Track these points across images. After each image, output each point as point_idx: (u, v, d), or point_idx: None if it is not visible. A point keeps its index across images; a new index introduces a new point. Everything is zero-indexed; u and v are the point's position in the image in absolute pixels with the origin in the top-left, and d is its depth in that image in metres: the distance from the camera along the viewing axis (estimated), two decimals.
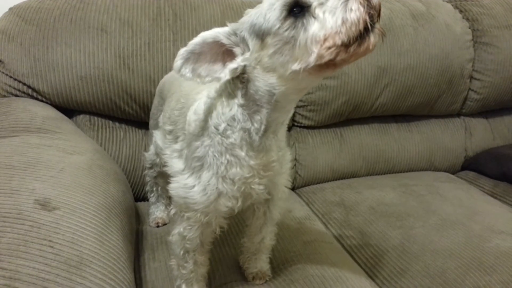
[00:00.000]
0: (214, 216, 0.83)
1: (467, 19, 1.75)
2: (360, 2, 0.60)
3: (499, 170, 1.66)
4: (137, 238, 1.18)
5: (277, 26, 0.65)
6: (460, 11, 1.78)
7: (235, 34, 0.70)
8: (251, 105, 0.73)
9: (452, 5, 1.79)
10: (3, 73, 1.28)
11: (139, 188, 1.40)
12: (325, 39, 0.62)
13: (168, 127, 0.96)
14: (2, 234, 0.70)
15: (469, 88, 1.77)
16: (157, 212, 1.28)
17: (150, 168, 1.24)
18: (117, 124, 1.41)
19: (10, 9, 1.32)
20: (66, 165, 0.95)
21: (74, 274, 0.69)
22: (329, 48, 0.62)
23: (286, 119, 0.79)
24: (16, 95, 1.30)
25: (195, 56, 0.69)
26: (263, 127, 0.75)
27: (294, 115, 1.54)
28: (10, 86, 1.29)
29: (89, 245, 0.77)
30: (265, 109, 0.73)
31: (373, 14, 0.61)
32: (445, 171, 1.78)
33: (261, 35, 0.67)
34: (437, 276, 1.07)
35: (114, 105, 1.35)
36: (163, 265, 1.06)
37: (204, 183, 0.78)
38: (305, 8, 0.64)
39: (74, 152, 1.05)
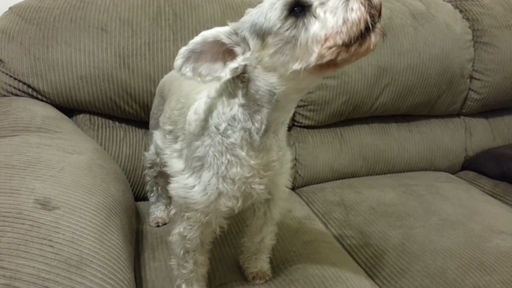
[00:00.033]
0: (214, 216, 0.83)
1: (467, 19, 1.75)
2: (361, 2, 0.60)
3: (499, 170, 1.66)
4: (137, 238, 1.18)
5: (278, 25, 0.65)
6: (460, 11, 1.78)
7: (236, 33, 0.70)
8: (251, 104, 0.73)
9: (452, 5, 1.79)
10: (3, 72, 1.28)
11: (139, 188, 1.40)
12: (326, 39, 0.62)
13: (168, 127, 0.96)
14: (2, 233, 0.70)
15: (469, 88, 1.77)
16: (157, 211, 1.28)
17: (150, 167, 1.24)
18: (117, 123, 1.41)
19: (10, 8, 1.32)
20: (66, 165, 0.95)
21: (74, 274, 0.69)
22: (330, 48, 0.62)
23: (287, 118, 0.79)
24: (16, 95, 1.30)
25: (196, 55, 0.69)
26: (263, 126, 0.75)
27: (294, 114, 1.54)
28: (10, 85, 1.29)
29: (89, 245, 0.77)
30: (265, 108, 0.73)
31: (374, 13, 0.61)
32: (445, 171, 1.78)
33: (262, 34, 0.67)
34: (437, 276, 1.07)
35: (114, 104, 1.35)
36: (163, 264, 1.06)
37: (204, 183, 0.78)
38: (306, 7, 0.64)
39: (74, 151, 1.05)
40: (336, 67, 0.66)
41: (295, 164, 1.56)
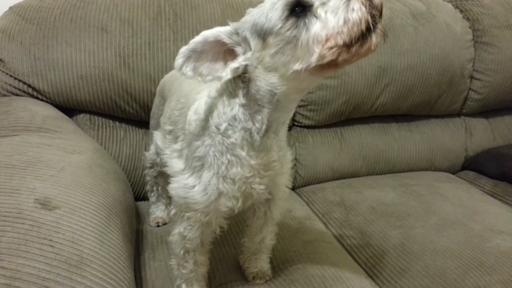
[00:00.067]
0: (214, 216, 0.83)
1: (468, 19, 1.75)
2: (362, 2, 0.60)
3: (499, 170, 1.66)
4: (137, 238, 1.18)
5: (279, 25, 0.64)
6: (461, 11, 1.77)
7: (236, 33, 0.70)
8: (252, 104, 0.73)
9: (453, 4, 1.79)
10: (4, 72, 1.28)
11: (139, 188, 1.40)
12: (327, 39, 0.62)
13: (168, 127, 0.96)
14: (3, 233, 0.70)
15: (470, 88, 1.77)
16: (157, 211, 1.28)
17: (151, 167, 1.24)
18: (117, 123, 1.41)
19: (11, 8, 1.32)
20: (67, 164, 0.95)
21: (75, 274, 0.69)
22: (331, 48, 0.62)
23: (287, 119, 0.79)
24: (17, 94, 1.30)
25: (197, 55, 0.69)
26: (264, 127, 0.75)
27: (294, 114, 1.54)
28: (10, 85, 1.29)
29: (90, 245, 0.77)
30: (266, 108, 0.73)
31: (375, 14, 0.61)
32: (445, 171, 1.78)
33: (263, 34, 0.67)
34: (437, 276, 1.08)
35: (115, 104, 1.35)
36: (163, 264, 1.06)
37: (204, 183, 0.78)
38: (307, 7, 0.63)
39: (75, 151, 1.05)
40: (337, 68, 0.66)
41: (295, 164, 1.56)
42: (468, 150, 1.83)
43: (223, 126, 0.75)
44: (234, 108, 0.74)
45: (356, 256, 1.21)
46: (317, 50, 0.62)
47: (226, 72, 0.70)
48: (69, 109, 1.36)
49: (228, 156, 0.76)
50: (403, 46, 1.58)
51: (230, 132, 0.75)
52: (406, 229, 1.26)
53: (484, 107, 1.85)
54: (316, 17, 0.63)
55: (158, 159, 1.14)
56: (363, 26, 0.60)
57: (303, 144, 1.58)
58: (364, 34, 0.61)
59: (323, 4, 0.62)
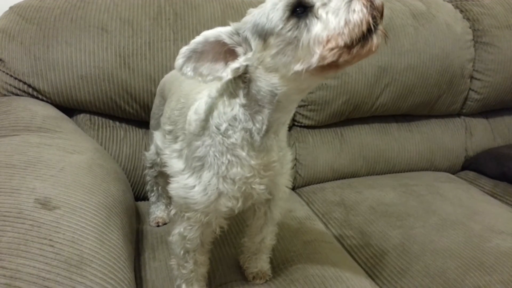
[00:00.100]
0: (214, 216, 0.83)
1: (468, 19, 1.75)
2: (363, 3, 0.60)
3: (499, 170, 1.66)
4: (137, 238, 1.18)
5: (280, 26, 0.64)
6: (461, 11, 1.77)
7: (237, 33, 0.70)
8: (253, 105, 0.73)
9: (453, 5, 1.79)
10: (4, 72, 1.28)
11: (139, 188, 1.40)
12: (328, 40, 0.61)
13: (168, 127, 0.96)
14: (3, 233, 0.70)
15: (470, 88, 1.77)
16: (157, 211, 1.28)
17: (151, 167, 1.24)
18: (117, 123, 1.41)
19: (11, 8, 1.32)
20: (67, 164, 0.95)
21: (75, 273, 0.69)
22: (332, 49, 0.62)
23: (288, 119, 0.79)
24: (17, 94, 1.30)
25: (197, 55, 0.69)
26: (264, 127, 0.74)
27: (294, 114, 1.54)
28: (10, 85, 1.29)
29: (90, 244, 0.77)
30: (267, 109, 0.73)
31: (376, 15, 0.61)
32: (445, 171, 1.78)
33: (263, 35, 0.67)
34: (437, 276, 1.08)
35: (115, 104, 1.35)
36: (163, 264, 1.06)
37: (204, 183, 0.78)
38: (308, 8, 0.63)
39: (75, 151, 1.05)
40: (338, 69, 0.66)
41: (295, 164, 1.56)
42: (468, 150, 1.83)
43: (223, 126, 0.75)
44: (234, 108, 0.74)
45: (356, 256, 1.21)
46: (318, 51, 0.62)
47: (227, 72, 0.70)
48: (69, 109, 1.36)
49: (228, 156, 0.76)
50: (403, 46, 1.58)
51: (230, 132, 0.75)
52: (406, 229, 1.26)
53: (484, 107, 1.85)
54: (317, 17, 0.63)
55: (158, 159, 1.15)
56: (364, 28, 0.60)
57: (303, 144, 1.58)
58: (365, 35, 0.61)
59: (324, 5, 0.62)
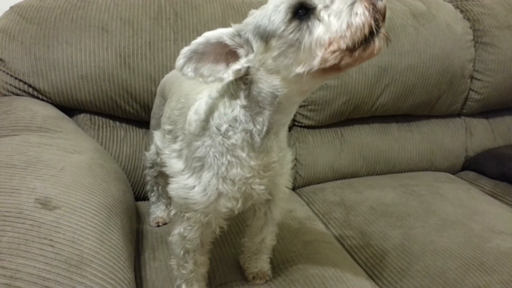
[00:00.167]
0: (214, 217, 0.83)
1: (468, 19, 1.75)
2: (365, 6, 0.59)
3: (499, 170, 1.66)
4: (137, 238, 1.18)
5: (282, 28, 0.64)
6: (461, 11, 1.77)
7: (239, 35, 0.69)
8: (253, 106, 0.73)
9: (453, 5, 1.79)
10: (4, 72, 1.28)
11: (139, 188, 1.40)
12: (330, 43, 0.61)
13: (168, 127, 0.96)
14: (3, 233, 0.70)
15: (470, 88, 1.77)
16: (157, 211, 1.28)
17: (151, 167, 1.24)
18: (117, 123, 1.41)
19: (11, 7, 1.32)
20: (67, 164, 0.95)
21: (75, 273, 0.69)
22: (334, 52, 0.62)
23: (288, 120, 0.79)
24: (17, 94, 1.30)
25: (198, 56, 0.68)
26: (265, 128, 0.74)
27: (294, 114, 1.53)
28: (10, 85, 1.29)
29: (90, 244, 0.77)
30: (267, 110, 0.73)
31: (378, 18, 0.61)
32: (445, 171, 1.78)
33: (265, 37, 0.66)
34: (437, 276, 1.08)
35: (115, 104, 1.35)
36: (163, 264, 1.07)
37: (204, 184, 0.78)
38: (310, 10, 0.63)
39: (75, 151, 1.05)
40: (340, 71, 0.65)
41: (295, 164, 1.56)
42: (468, 150, 1.83)
43: (223, 127, 0.75)
44: (235, 109, 0.74)
45: (356, 256, 1.21)
46: (319, 54, 0.62)
47: (228, 73, 0.70)
48: (70, 109, 1.36)
49: (228, 157, 0.76)
50: (404, 46, 1.58)
51: (230, 133, 0.75)
52: (406, 229, 1.26)
53: (485, 107, 1.85)
54: (319, 20, 0.62)
55: (159, 159, 1.14)
56: (366, 31, 0.60)
57: (303, 144, 1.58)
58: (367, 38, 0.61)
59: (326, 7, 0.62)
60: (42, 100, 1.31)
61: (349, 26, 0.60)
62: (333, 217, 1.36)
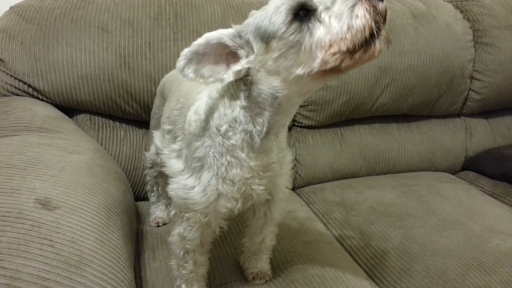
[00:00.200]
0: (214, 217, 0.83)
1: (468, 19, 1.75)
2: (366, 8, 0.59)
3: (499, 170, 1.66)
4: (137, 238, 1.18)
5: (283, 30, 0.64)
6: (461, 11, 1.77)
7: (239, 36, 0.69)
8: (253, 107, 0.73)
9: (453, 5, 1.79)
10: (4, 72, 1.28)
11: (139, 188, 1.40)
12: (331, 45, 0.61)
13: (167, 127, 0.96)
14: (3, 233, 0.70)
15: (470, 88, 1.77)
16: (157, 211, 1.28)
17: (151, 167, 1.24)
18: (117, 123, 1.41)
19: (11, 8, 1.32)
20: (67, 165, 0.95)
21: (75, 274, 0.69)
22: (334, 54, 0.61)
23: (288, 121, 0.79)
24: (17, 94, 1.30)
25: (199, 57, 0.68)
26: (265, 129, 0.74)
27: (294, 115, 1.54)
28: (10, 85, 1.29)
29: (90, 245, 0.77)
30: (267, 111, 0.73)
31: (379, 20, 0.60)
32: (445, 171, 1.78)
33: (266, 38, 0.66)
34: (437, 276, 1.08)
35: (115, 104, 1.35)
36: (163, 264, 1.07)
37: (204, 184, 0.78)
38: (311, 12, 0.63)
39: (75, 151, 1.05)
40: (340, 73, 0.65)
41: (295, 164, 1.56)
42: (468, 151, 1.83)
43: (223, 128, 0.75)
44: (235, 110, 0.74)
45: (356, 256, 1.21)
46: (320, 56, 0.62)
47: (229, 74, 0.69)
48: (69, 109, 1.36)
49: (228, 157, 0.76)
50: (404, 46, 1.58)
51: (230, 133, 0.75)
52: (406, 229, 1.26)
53: (484, 108, 1.85)
54: (320, 21, 0.62)
55: (158, 159, 1.14)
56: (367, 33, 0.60)
57: (303, 144, 1.58)
58: (368, 41, 0.61)
59: (327, 8, 0.62)
60: (42, 100, 1.31)
61: (349, 28, 0.60)
62: (333, 217, 1.36)
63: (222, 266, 1.04)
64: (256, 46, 0.68)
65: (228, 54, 0.70)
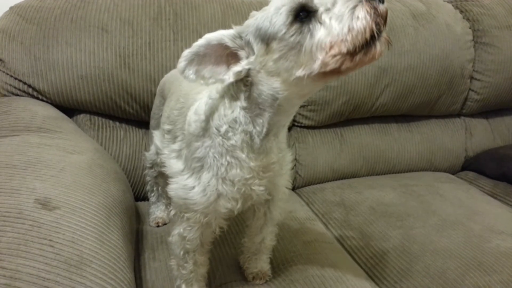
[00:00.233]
0: (214, 217, 0.83)
1: (468, 19, 1.75)
2: (367, 10, 0.59)
3: (499, 170, 1.66)
4: (137, 238, 1.18)
5: (283, 31, 0.64)
6: (461, 11, 1.78)
7: (240, 37, 0.69)
8: (253, 108, 0.73)
9: (453, 5, 1.79)
10: (4, 72, 1.28)
11: (139, 188, 1.40)
12: (331, 47, 0.61)
13: (167, 127, 0.96)
14: (3, 233, 0.70)
15: (470, 89, 1.77)
16: (157, 211, 1.28)
17: (151, 167, 1.24)
18: (117, 123, 1.41)
19: (11, 8, 1.32)
20: (67, 165, 0.95)
21: (75, 274, 0.69)
22: (334, 56, 0.61)
23: (288, 121, 0.79)
24: (17, 95, 1.30)
25: (199, 58, 0.68)
26: (265, 130, 0.74)
27: (294, 115, 1.54)
28: (10, 85, 1.29)
29: (89, 245, 0.77)
30: (267, 112, 0.73)
31: (380, 22, 0.60)
32: (445, 171, 1.78)
33: (266, 39, 0.66)
34: (437, 276, 1.08)
35: (115, 104, 1.35)
36: (163, 265, 1.07)
37: (204, 184, 0.78)
38: (312, 13, 0.63)
39: (75, 151, 1.05)
40: (340, 74, 0.65)
41: (295, 165, 1.56)
42: (468, 151, 1.83)
43: (223, 128, 0.75)
44: (235, 110, 0.74)
45: (356, 256, 1.21)
46: (320, 57, 0.62)
47: (229, 75, 0.69)
48: (69, 109, 1.36)
49: (228, 157, 0.76)
50: (403, 46, 1.58)
51: (230, 134, 0.75)
52: (406, 230, 1.26)
53: (484, 108, 1.85)
54: (320, 23, 0.62)
55: (158, 159, 1.14)
56: (368, 35, 0.60)
57: (303, 144, 1.58)
58: (368, 43, 0.61)
59: (327, 10, 0.62)
60: (42, 100, 1.31)
61: (350, 30, 0.60)
62: (333, 217, 1.36)
63: (222, 266, 1.04)
64: (257, 47, 0.68)
65: (228, 55, 0.70)
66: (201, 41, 0.68)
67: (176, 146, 0.87)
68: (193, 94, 0.86)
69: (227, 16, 1.41)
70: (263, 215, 0.94)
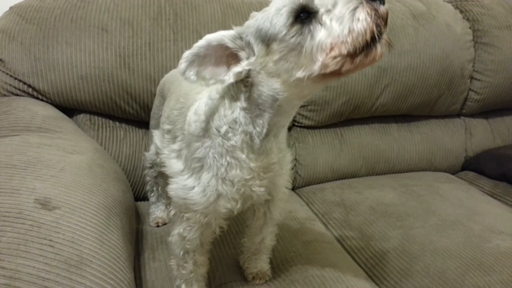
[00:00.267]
0: (214, 217, 0.83)
1: (468, 19, 1.75)
2: (368, 12, 0.59)
3: (499, 170, 1.66)
4: (137, 238, 1.18)
5: (284, 32, 0.64)
6: (461, 11, 1.78)
7: (240, 38, 0.69)
8: (253, 109, 0.73)
9: (453, 5, 1.79)
10: (4, 72, 1.28)
11: (139, 188, 1.40)
12: (331, 48, 0.61)
13: (167, 127, 0.96)
14: (3, 233, 0.70)
15: (470, 89, 1.77)
16: (157, 211, 1.28)
17: (151, 167, 1.24)
18: (117, 123, 1.41)
19: (11, 8, 1.32)
20: (67, 165, 0.95)
21: (74, 274, 0.69)
22: (335, 57, 0.61)
23: (288, 122, 0.79)
24: (17, 94, 1.30)
25: (200, 59, 0.68)
26: (265, 130, 0.74)
27: (294, 115, 1.54)
28: (10, 85, 1.29)
29: (89, 245, 0.77)
30: (267, 113, 0.73)
31: (380, 23, 0.60)
32: (445, 171, 1.78)
33: (267, 40, 0.66)
34: (437, 276, 1.08)
35: (115, 104, 1.35)
36: (163, 265, 1.07)
37: (204, 184, 0.78)
38: (312, 14, 0.63)
39: (75, 151, 1.05)
40: (340, 76, 0.65)
41: (295, 165, 1.56)
42: (468, 151, 1.83)
43: (223, 129, 0.75)
44: (235, 111, 0.74)
45: (356, 256, 1.21)
46: (320, 59, 0.62)
47: (229, 76, 0.69)
48: (69, 109, 1.36)
49: (228, 158, 0.76)
50: (403, 46, 1.58)
51: (230, 134, 0.75)
52: (406, 230, 1.26)
53: (484, 108, 1.85)
54: (321, 24, 0.62)
55: (158, 159, 1.14)
56: (368, 37, 0.60)
57: (303, 144, 1.58)
58: (369, 44, 0.61)
59: (328, 11, 0.62)
60: (42, 100, 1.31)
61: (350, 31, 0.60)
62: (333, 217, 1.36)
63: (222, 266, 1.04)
64: (257, 48, 0.68)
65: (228, 56, 0.70)
66: (201, 42, 0.68)
67: (176, 146, 0.87)
68: (193, 94, 0.86)
69: (227, 16, 1.41)
70: (263, 215, 0.94)
